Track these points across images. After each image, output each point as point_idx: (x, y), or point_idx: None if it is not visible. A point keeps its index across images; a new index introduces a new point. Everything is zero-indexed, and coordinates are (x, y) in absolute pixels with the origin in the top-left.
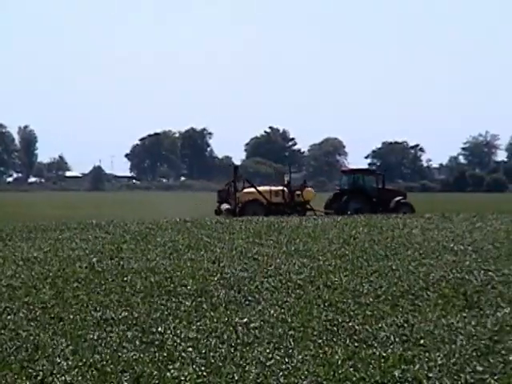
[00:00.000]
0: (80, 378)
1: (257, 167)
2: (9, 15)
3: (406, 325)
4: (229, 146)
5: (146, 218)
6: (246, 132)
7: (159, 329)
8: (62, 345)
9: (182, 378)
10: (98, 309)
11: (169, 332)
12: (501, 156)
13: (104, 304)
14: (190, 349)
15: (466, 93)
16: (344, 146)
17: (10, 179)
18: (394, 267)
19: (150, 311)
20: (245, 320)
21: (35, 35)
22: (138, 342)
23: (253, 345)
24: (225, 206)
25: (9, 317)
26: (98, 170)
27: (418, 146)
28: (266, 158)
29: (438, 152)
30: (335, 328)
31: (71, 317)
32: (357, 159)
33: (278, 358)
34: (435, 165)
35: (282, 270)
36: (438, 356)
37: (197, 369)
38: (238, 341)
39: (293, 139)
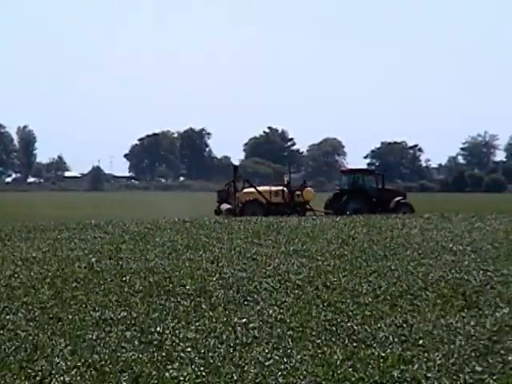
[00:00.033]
0: (79, 378)
1: (255, 167)
2: (9, 15)
3: (404, 325)
4: (227, 146)
5: (144, 218)
6: (245, 132)
7: (158, 329)
8: (61, 345)
9: (181, 378)
10: (96, 309)
11: (168, 332)
12: (500, 156)
13: (103, 304)
14: (189, 349)
15: (465, 93)
16: (343, 146)
17: (8, 179)
18: (392, 267)
19: (148, 311)
20: (244, 320)
21: (35, 35)
22: (136, 342)
23: (252, 345)
24: (225, 206)
25: (8, 317)
26: (96, 170)
27: (416, 146)
28: (264, 158)
29: (437, 152)
30: (334, 328)
31: (70, 317)
32: (356, 159)
33: (277, 358)
34: (434, 165)
35: (280, 270)
36: (437, 356)
37: (196, 369)
38: (237, 341)
39: (292, 139)
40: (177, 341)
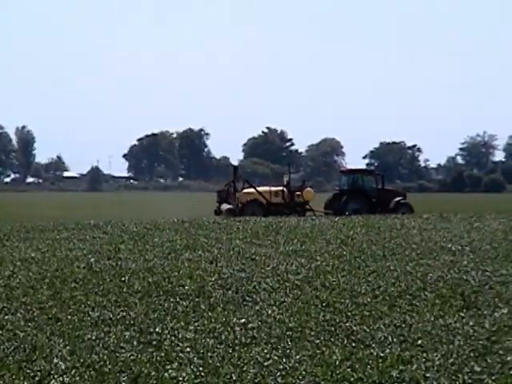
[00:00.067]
0: (78, 378)
1: (254, 167)
2: (9, 15)
3: (403, 325)
4: (226, 146)
5: (143, 218)
6: (244, 132)
7: (157, 329)
8: (60, 345)
9: (180, 379)
10: (95, 309)
11: (166, 332)
12: (498, 156)
13: (102, 304)
14: (188, 349)
15: (463, 93)
16: (342, 147)
17: (7, 179)
18: (391, 267)
19: (147, 311)
20: (243, 320)
21: (35, 35)
22: (135, 343)
23: (251, 345)
24: (225, 206)
25: (6, 317)
26: (95, 171)
27: (415, 146)
28: (263, 158)
29: (436, 152)
30: (333, 328)
31: (69, 317)
32: (354, 159)
33: (276, 358)
34: (433, 165)
35: (279, 271)
36: (436, 356)
37: (195, 369)
38: (236, 341)
39: (290, 140)
40: (176, 341)
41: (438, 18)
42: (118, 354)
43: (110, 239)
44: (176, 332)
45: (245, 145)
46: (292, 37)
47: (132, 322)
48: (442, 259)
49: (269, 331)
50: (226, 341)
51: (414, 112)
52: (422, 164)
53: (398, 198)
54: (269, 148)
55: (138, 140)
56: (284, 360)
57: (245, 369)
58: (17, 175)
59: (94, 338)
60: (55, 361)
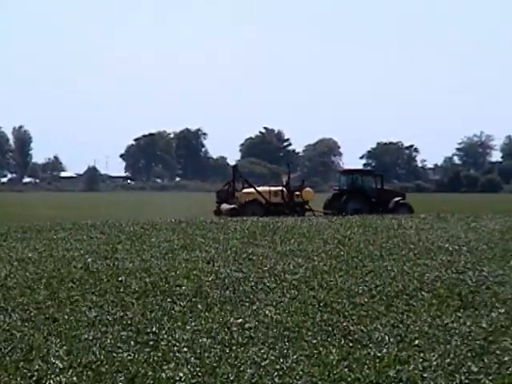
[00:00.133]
0: (75, 378)
1: (251, 167)
2: (9, 15)
3: (400, 325)
4: (223, 146)
5: (140, 218)
6: (241, 132)
7: (154, 329)
8: (57, 345)
9: (177, 379)
10: (92, 309)
11: (163, 332)
12: (495, 156)
13: (99, 304)
14: (185, 349)
15: (460, 93)
16: (339, 147)
17: (4, 179)
18: (388, 267)
19: (144, 311)
20: (240, 320)
21: (35, 35)
22: (132, 343)
23: (248, 345)
24: (226, 207)
25: (3, 317)
26: (92, 171)
27: (412, 146)
28: (260, 158)
29: (433, 152)
30: (330, 328)
31: (66, 317)
32: (352, 160)
33: (273, 358)
34: (430, 165)
35: (276, 271)
36: (433, 356)
37: (191, 369)
38: (233, 341)
39: (288, 140)
40: (173, 341)
41: (437, 17)
42: (114, 354)
43: (107, 239)
44: (173, 332)
45: (242, 145)
46: (292, 37)
47: (129, 322)
48: (439, 259)
49: (266, 331)
50: (222, 341)
51: (411, 112)
52: (419, 164)
53: (397, 198)
54: (266, 148)
55: (135, 140)
56: (281, 360)
57: (242, 369)
58: (14, 175)
59: (91, 338)
60: (52, 361)
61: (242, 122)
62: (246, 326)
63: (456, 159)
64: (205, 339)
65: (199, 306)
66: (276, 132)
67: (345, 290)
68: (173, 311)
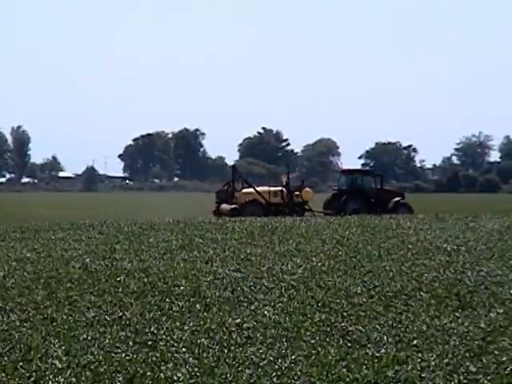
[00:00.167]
0: (73, 378)
1: (250, 168)
2: (9, 15)
3: (399, 325)
4: (222, 146)
5: (139, 218)
6: (239, 132)
7: (152, 329)
8: (55, 345)
9: (176, 379)
10: (91, 309)
11: (162, 332)
12: (494, 157)
13: (97, 304)
14: (183, 349)
15: (460, 93)
16: (337, 147)
17: (2, 180)
18: (387, 268)
19: (143, 312)
20: (238, 320)
21: (35, 35)
22: (131, 343)
23: (246, 345)
24: (226, 207)
25: (1, 317)
26: (91, 171)
27: (411, 146)
28: (258, 158)
29: (431, 152)
30: (328, 328)
31: (64, 317)
32: (350, 160)
33: (272, 358)
34: (428, 165)
35: (274, 271)
36: (431, 356)
37: (190, 369)
38: (231, 341)
39: (286, 140)
40: (171, 341)
41: (437, 17)
42: (113, 354)
43: (105, 239)
44: (171, 332)
45: (240, 145)
46: (292, 37)
47: (127, 323)
48: (438, 259)
49: (264, 331)
50: (221, 341)
51: (409, 112)
52: (418, 164)
53: (396, 199)
54: (264, 148)
55: (134, 140)
56: (279, 360)
57: (240, 369)
58: (12, 175)
59: (89, 338)
60: (50, 361)
61: (240, 122)
62: (245, 326)
63: (454, 159)
64: (203, 339)
65: (197, 306)
66: (274, 132)
67: (343, 290)
68: (171, 311)
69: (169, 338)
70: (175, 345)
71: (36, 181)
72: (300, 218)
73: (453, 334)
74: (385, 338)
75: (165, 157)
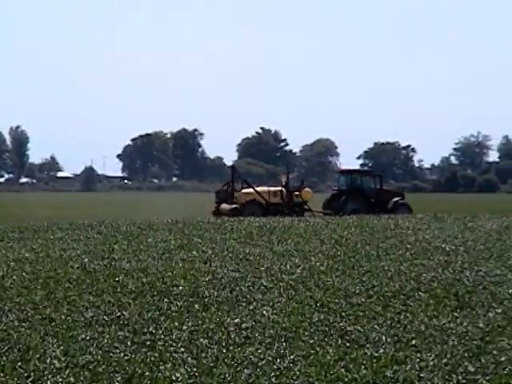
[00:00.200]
0: (72, 378)
1: (248, 168)
2: (9, 15)
3: (397, 325)
4: (220, 146)
5: (137, 218)
6: (238, 132)
7: (151, 329)
8: (54, 345)
9: (174, 379)
10: (89, 309)
11: (160, 332)
12: (492, 157)
13: (95, 304)
14: (182, 349)
15: (458, 93)
16: (336, 147)
17: (1, 180)
18: (385, 267)
19: (141, 312)
20: (236, 320)
21: (35, 35)
22: (129, 343)
23: (244, 345)
24: (227, 207)
25: (0, 317)
26: (89, 171)
27: (409, 146)
28: (257, 158)
29: (430, 152)
30: (327, 328)
31: (62, 317)
32: (349, 160)
33: (270, 358)
34: (427, 165)
35: (273, 271)
36: (430, 356)
37: (188, 369)
38: (230, 341)
39: (284, 140)
40: (170, 341)
41: (437, 18)
42: (111, 354)
43: (103, 239)
44: (170, 332)
45: (239, 145)
46: (292, 37)
47: (126, 322)
48: (436, 259)
49: (263, 331)
50: (219, 341)
51: (407, 112)
52: (416, 164)
53: (396, 199)
54: (263, 148)
55: (132, 140)
56: (278, 360)
57: (239, 369)
58: (10, 175)
59: (87, 338)
60: (49, 361)
61: (238, 122)
62: (243, 326)
63: (453, 159)
64: (202, 339)
65: (196, 306)
66: (273, 132)
67: (342, 290)
68: (170, 311)
69: (167, 338)
70: (174, 345)
71: (34, 181)
72: (298, 218)
73: (451, 333)
74: (383, 337)
75: (163, 157)
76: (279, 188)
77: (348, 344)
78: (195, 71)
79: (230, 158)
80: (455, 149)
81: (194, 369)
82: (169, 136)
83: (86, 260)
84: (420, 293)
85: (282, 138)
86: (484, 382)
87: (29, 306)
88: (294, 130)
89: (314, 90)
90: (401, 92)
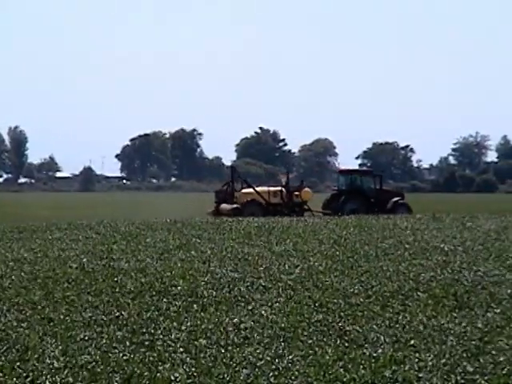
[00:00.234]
0: (70, 378)
1: (247, 168)
2: (9, 15)
3: (396, 325)
4: (219, 146)
5: (136, 218)
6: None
7: (149, 329)
8: (52, 345)
9: (173, 379)
10: (88, 309)
11: (159, 332)
12: (491, 157)
13: (94, 305)
14: (181, 349)
15: (457, 93)
16: (335, 147)
17: None
18: (384, 268)
19: (140, 312)
20: (235, 320)
21: (35, 35)
22: (128, 343)
23: (243, 345)
24: (227, 206)
25: None
26: (88, 171)
27: (408, 146)
28: (256, 158)
29: (428, 152)
30: (325, 328)
31: (61, 317)
32: (347, 160)
33: (269, 358)
34: (425, 165)
35: (272, 271)
36: (429, 356)
37: (187, 369)
38: (229, 341)
39: (283, 140)
40: (168, 341)
41: (437, 18)
42: (110, 355)
43: (102, 239)
44: (169, 332)
45: (237, 145)
46: (291, 37)
47: (124, 323)
48: (435, 259)
49: (261, 331)
50: (218, 341)
51: (406, 112)
52: (415, 164)
53: (395, 199)
54: (261, 148)
55: (131, 140)
56: (277, 360)
57: (237, 369)
58: (9, 175)
59: (86, 338)
60: (48, 361)
61: (237, 122)
62: (242, 326)
63: (451, 159)
64: (200, 339)
65: (195, 306)
66: (271, 132)
67: (340, 290)
68: (168, 311)
69: (166, 338)
70: (172, 345)
71: (33, 181)
72: (297, 218)
73: (450, 334)
74: (382, 337)
75: (162, 157)
76: (279, 188)
77: (347, 344)
78: (195, 71)
79: (228, 158)
80: (454, 149)
81: (193, 369)
82: (167, 136)
83: (84, 260)
84: (419, 293)
85: (281, 138)
86: (483, 382)
87: (27, 306)
88: (293, 130)
89: (313, 89)
90: (400, 92)
